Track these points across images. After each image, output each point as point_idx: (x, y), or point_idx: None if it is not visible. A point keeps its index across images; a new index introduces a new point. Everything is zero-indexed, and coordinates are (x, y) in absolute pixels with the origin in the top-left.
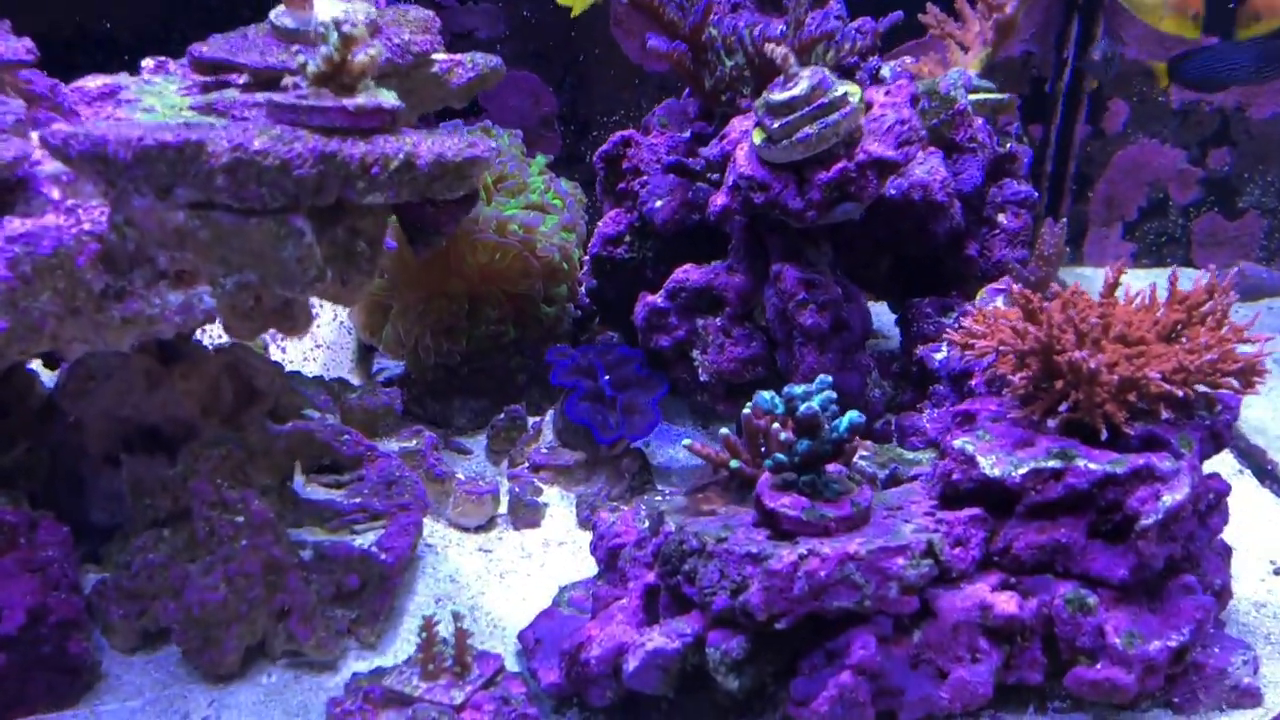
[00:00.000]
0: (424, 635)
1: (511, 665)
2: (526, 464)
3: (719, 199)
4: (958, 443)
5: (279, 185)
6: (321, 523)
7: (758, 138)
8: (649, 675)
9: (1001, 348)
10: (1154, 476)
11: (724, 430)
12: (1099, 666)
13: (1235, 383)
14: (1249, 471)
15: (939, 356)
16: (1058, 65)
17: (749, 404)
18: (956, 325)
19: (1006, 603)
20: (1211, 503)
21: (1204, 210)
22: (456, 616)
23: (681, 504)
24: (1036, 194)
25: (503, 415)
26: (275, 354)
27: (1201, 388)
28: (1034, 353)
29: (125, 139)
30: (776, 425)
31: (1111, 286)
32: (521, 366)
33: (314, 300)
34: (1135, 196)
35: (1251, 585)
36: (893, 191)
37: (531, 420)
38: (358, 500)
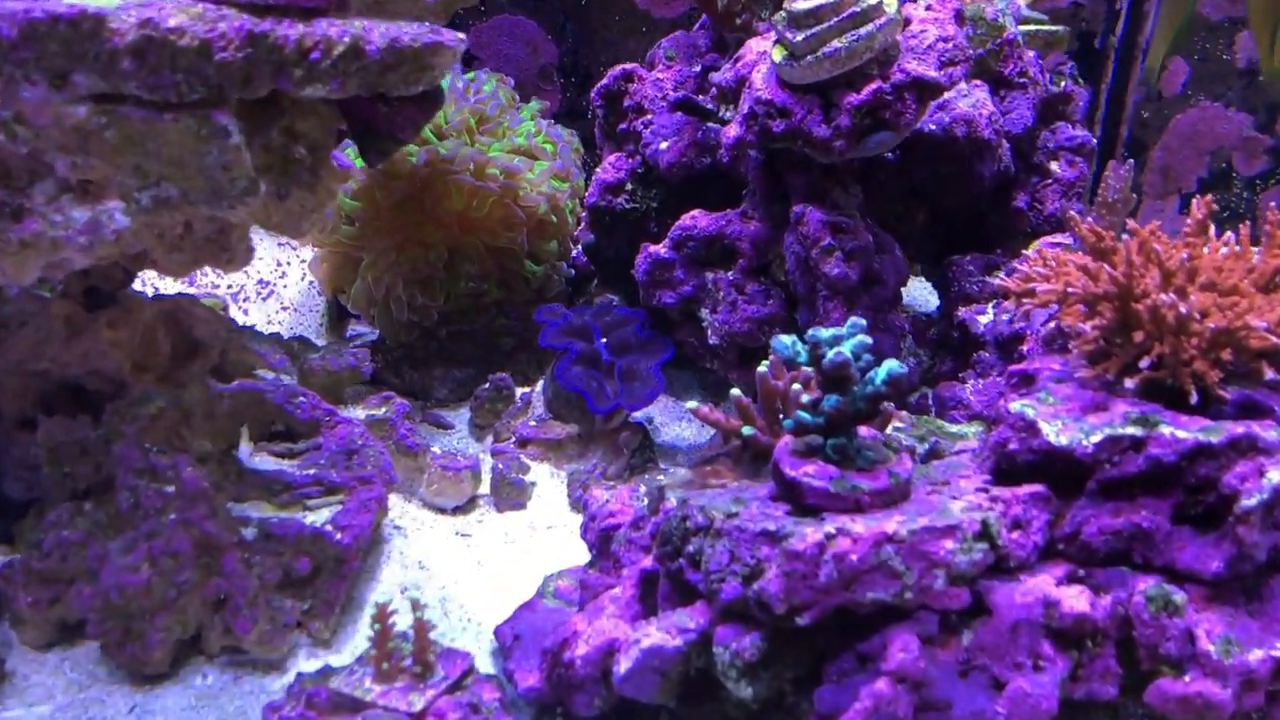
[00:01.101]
0: (377, 628)
1: (486, 666)
2: (513, 438)
3: (732, 130)
4: (1015, 406)
5: (198, 72)
6: (269, 496)
7: (777, 55)
8: (644, 679)
9: (1069, 291)
10: (1257, 449)
11: (735, 391)
12: (1188, 679)
13: None
14: None
15: (984, 320)
16: (1109, 17)
17: (765, 360)
18: (1010, 274)
19: (1076, 599)
20: None
21: (1272, 183)
22: (416, 606)
23: (686, 478)
24: (1095, 140)
25: (487, 385)
26: (236, 315)
27: None
28: (1109, 297)
29: (9, 12)
30: (798, 387)
31: (1201, 224)
32: (507, 330)
33: (282, 258)
34: (1194, 166)
35: None
36: (933, 127)
37: (520, 391)
38: (312, 471)
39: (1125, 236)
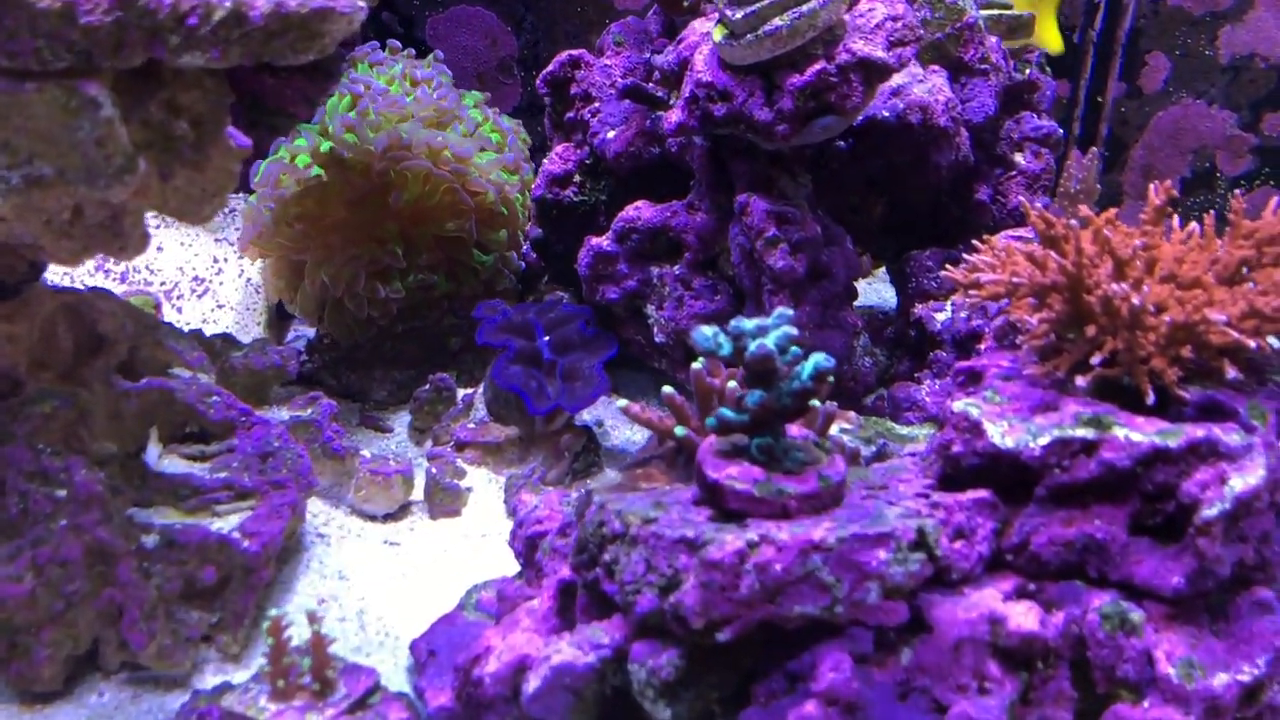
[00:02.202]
0: (271, 642)
1: (402, 683)
2: (451, 442)
3: (674, 115)
4: (959, 405)
5: (61, 37)
6: (176, 501)
7: (718, 35)
8: (554, 699)
9: (1015, 281)
10: (1218, 454)
11: (668, 389)
12: (1146, 705)
13: None
14: None
15: (941, 317)
16: (1088, 10)
17: (699, 359)
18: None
19: (1024, 616)
20: None
21: (1257, 183)
22: (313, 619)
23: (615, 481)
24: (1062, 130)
25: (427, 386)
26: (170, 314)
27: (1277, 344)
28: (1058, 288)
29: None
30: (734, 384)
31: (1159, 211)
32: (454, 329)
33: (219, 255)
34: (1177, 166)
35: None
36: (886, 113)
37: (463, 393)
38: (223, 475)
39: (1086, 210)
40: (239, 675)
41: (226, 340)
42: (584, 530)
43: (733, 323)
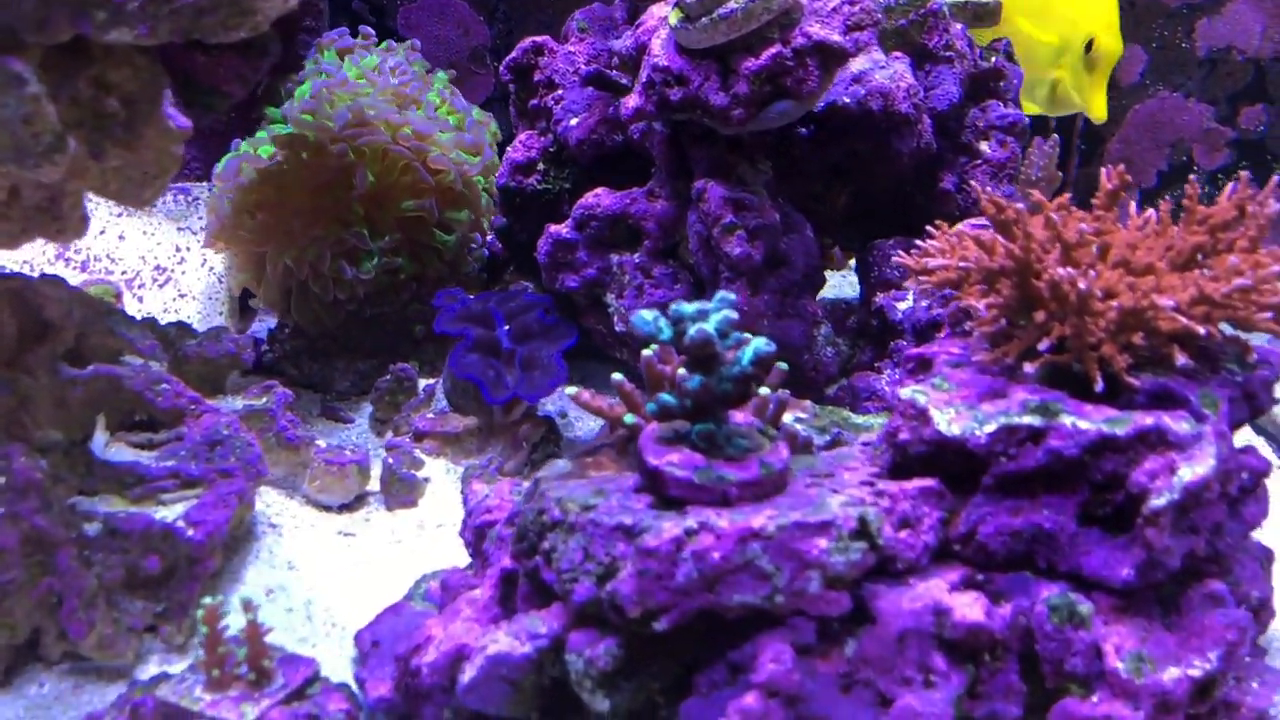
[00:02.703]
0: (204, 631)
1: (347, 674)
2: (410, 432)
3: (631, 101)
4: (906, 392)
5: None
6: (122, 490)
7: (674, 18)
8: (491, 689)
9: (962, 265)
10: (1167, 442)
11: (617, 376)
12: (1095, 700)
13: (1275, 323)
14: None
15: (903, 306)
16: None
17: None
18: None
19: (969, 607)
20: (1246, 485)
21: (1235, 176)
22: (248, 608)
23: (564, 469)
24: (1028, 119)
25: (388, 375)
26: (131, 304)
27: (1230, 330)
28: (1006, 273)
29: None
30: (684, 371)
31: (1111, 196)
32: (419, 315)
33: (181, 244)
34: (1154, 159)
35: None
36: (847, 100)
37: (425, 383)
38: (171, 464)
39: (1039, 195)
40: (183, 665)
41: (181, 328)
42: (524, 518)
43: (673, 307)
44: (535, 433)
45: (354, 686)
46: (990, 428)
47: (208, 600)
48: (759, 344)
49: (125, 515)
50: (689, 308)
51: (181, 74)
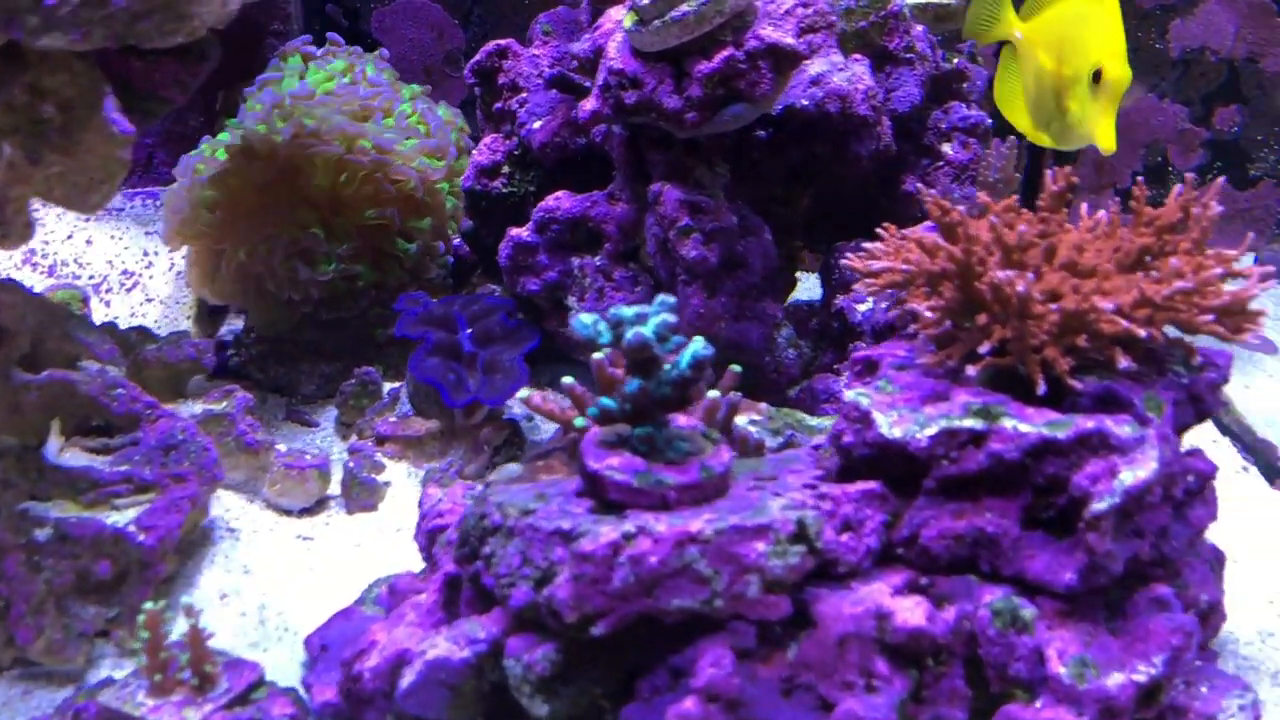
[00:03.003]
0: (145, 636)
1: (297, 679)
2: (373, 436)
3: (588, 104)
4: (850, 395)
5: None
6: (75, 495)
7: (628, 21)
8: (430, 694)
9: (903, 268)
10: (1108, 446)
11: (567, 379)
12: (1039, 705)
13: (1218, 325)
14: (1256, 469)
15: (863, 308)
16: None
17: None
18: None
19: (911, 611)
20: (1192, 488)
21: (1210, 177)
22: (190, 612)
23: (515, 473)
24: (990, 120)
25: (353, 379)
26: (98, 309)
27: (1176, 334)
28: (948, 276)
29: None
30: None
31: (1057, 197)
32: (381, 320)
33: (149, 248)
34: (1129, 160)
35: (1256, 608)
36: (805, 102)
37: (390, 386)
38: (124, 468)
39: (984, 197)
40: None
41: (142, 333)
42: (465, 523)
43: (611, 311)
44: (497, 436)
45: (302, 691)
46: (931, 430)
47: (148, 605)
48: (697, 347)
49: (76, 520)
50: (628, 311)
51: (120, 80)
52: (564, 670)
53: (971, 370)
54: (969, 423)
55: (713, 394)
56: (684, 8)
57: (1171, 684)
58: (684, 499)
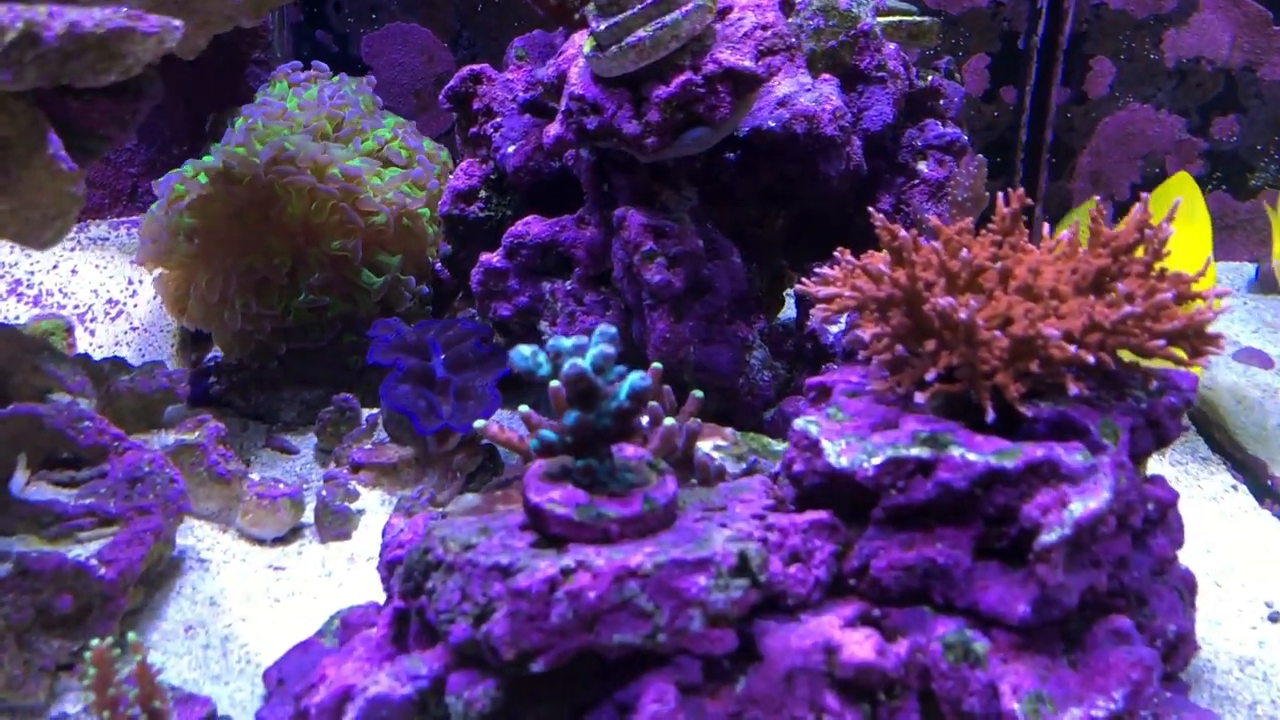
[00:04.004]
0: (93, 673)
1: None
2: (348, 463)
3: (552, 129)
4: (799, 423)
5: None
6: (39, 529)
7: (587, 47)
8: None
9: (848, 294)
10: (1059, 475)
11: (524, 408)
12: None
13: (1173, 349)
14: (1245, 488)
15: (835, 330)
16: (1031, 16)
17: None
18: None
19: (860, 645)
20: (1152, 516)
21: (1209, 188)
22: (138, 648)
23: (472, 504)
24: (966, 137)
25: (331, 407)
26: (83, 338)
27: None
28: (896, 302)
29: None
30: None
31: (1013, 218)
32: (355, 348)
33: (134, 276)
34: (1127, 171)
35: (1238, 634)
36: (772, 124)
37: (368, 413)
38: (89, 501)
39: (934, 220)
40: None
41: (116, 363)
42: (410, 557)
43: (550, 342)
44: (471, 463)
45: None
46: (878, 459)
47: (95, 642)
48: (634, 379)
49: (37, 555)
50: (567, 343)
51: (59, 119)
52: (506, 707)
53: (920, 397)
54: (916, 451)
55: (669, 422)
56: (640, 33)
57: (1135, 718)
58: (627, 532)
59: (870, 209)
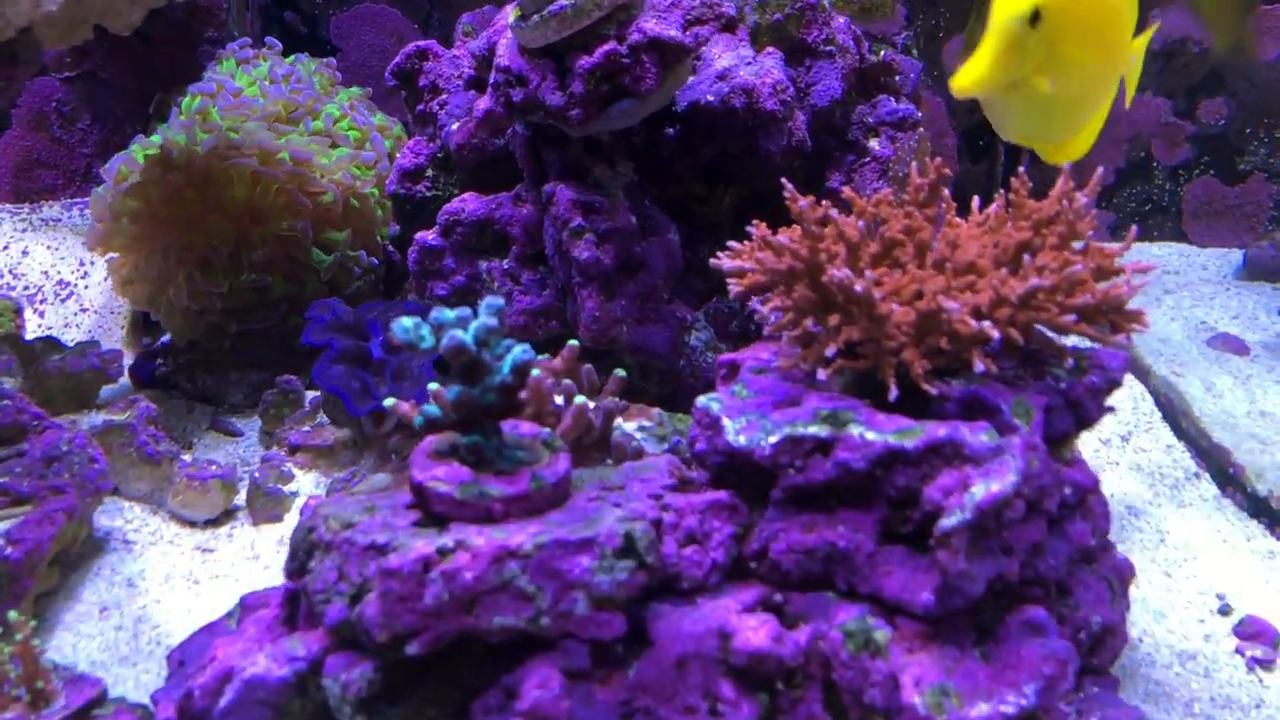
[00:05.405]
0: None
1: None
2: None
3: (482, 103)
4: (701, 400)
5: None
6: None
7: (512, 17)
8: (247, 714)
9: (749, 266)
10: (962, 456)
11: (433, 385)
12: None
13: (1087, 326)
14: (1208, 476)
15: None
16: None
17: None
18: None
19: (755, 631)
20: (1070, 501)
21: (1196, 173)
22: (18, 625)
23: (382, 484)
24: (918, 112)
25: (274, 388)
26: (32, 318)
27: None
28: (798, 275)
29: None
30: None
31: (927, 190)
32: (300, 329)
33: (86, 258)
34: (1111, 155)
35: (1182, 627)
36: (710, 98)
37: (312, 395)
38: (3, 481)
39: (850, 193)
40: None
41: (48, 343)
42: (295, 535)
43: (433, 314)
44: (407, 445)
45: (153, 707)
46: (775, 438)
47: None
48: (517, 351)
49: None
50: (450, 314)
51: None
52: (387, 691)
53: (822, 374)
54: (815, 429)
55: (580, 400)
56: (562, 1)
57: (1048, 716)
58: (512, 511)
59: (783, 180)
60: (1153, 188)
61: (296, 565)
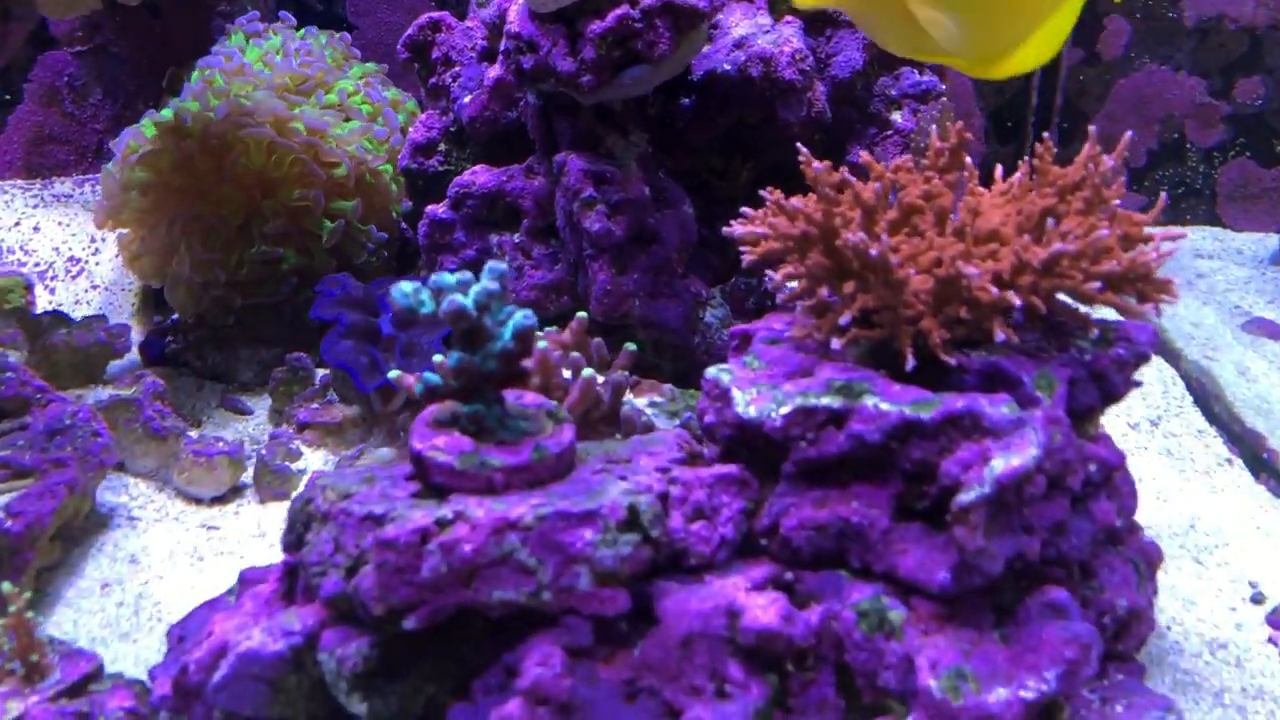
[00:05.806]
0: None
1: None
2: (294, 423)
3: (493, 71)
4: (711, 371)
5: None
6: None
7: None
8: (243, 688)
9: (762, 231)
10: (981, 429)
11: (438, 357)
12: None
13: (1114, 294)
14: (1241, 462)
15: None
16: None
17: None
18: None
19: (764, 609)
20: (1094, 479)
21: (1232, 155)
22: (11, 597)
23: (387, 457)
24: (942, 84)
25: (284, 365)
26: (42, 294)
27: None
28: (812, 240)
29: None
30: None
31: (948, 155)
32: (309, 305)
33: (94, 233)
34: (1143, 137)
35: (1213, 615)
36: (727, 67)
37: (322, 373)
38: (5, 454)
39: (867, 158)
40: None
41: (56, 318)
42: (292, 507)
43: (433, 278)
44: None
45: (150, 683)
46: (786, 409)
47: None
48: (519, 317)
49: None
50: (450, 279)
51: None
52: (385, 666)
53: (836, 343)
54: (828, 400)
55: (588, 372)
56: None
57: (1072, 702)
58: (514, 482)
59: (798, 144)
60: (1186, 170)
61: (294, 538)
